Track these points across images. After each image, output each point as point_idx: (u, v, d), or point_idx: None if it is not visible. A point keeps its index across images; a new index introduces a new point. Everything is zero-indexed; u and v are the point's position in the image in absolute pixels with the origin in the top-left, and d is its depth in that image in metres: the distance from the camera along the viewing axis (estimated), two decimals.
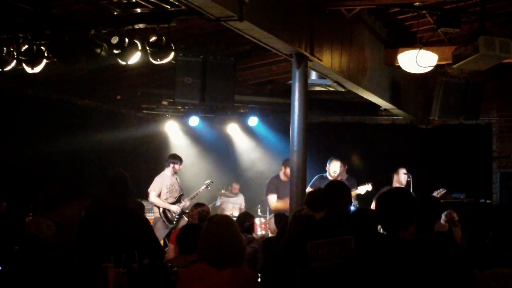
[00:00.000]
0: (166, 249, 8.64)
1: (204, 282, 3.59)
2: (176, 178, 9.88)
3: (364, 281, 3.30)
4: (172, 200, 9.69)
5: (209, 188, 10.53)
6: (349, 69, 8.04)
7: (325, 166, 9.81)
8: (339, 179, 9.78)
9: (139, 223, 5.23)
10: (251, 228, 7.12)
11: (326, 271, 3.95)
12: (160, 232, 9.34)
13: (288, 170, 8.68)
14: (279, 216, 7.00)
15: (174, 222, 9.65)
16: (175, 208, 9.65)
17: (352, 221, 4.33)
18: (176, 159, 9.84)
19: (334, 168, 9.67)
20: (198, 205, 6.98)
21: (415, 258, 3.30)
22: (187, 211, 9.76)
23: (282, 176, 9.33)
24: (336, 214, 4.19)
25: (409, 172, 9.60)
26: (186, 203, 9.79)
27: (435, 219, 4.45)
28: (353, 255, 3.43)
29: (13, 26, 7.05)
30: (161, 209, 9.64)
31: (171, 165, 9.71)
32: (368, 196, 9.84)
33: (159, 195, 9.60)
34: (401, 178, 9.60)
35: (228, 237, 3.64)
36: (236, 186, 12.10)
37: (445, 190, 9.57)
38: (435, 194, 9.33)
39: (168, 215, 9.64)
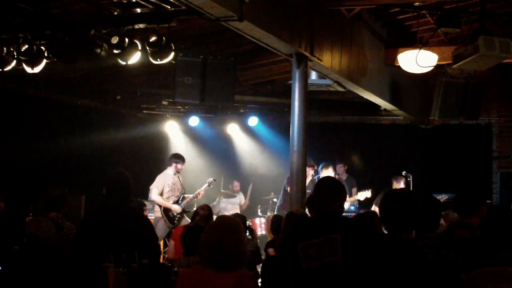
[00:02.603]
0: (165, 249, 8.65)
1: (201, 284, 3.58)
2: (179, 177, 9.83)
3: (368, 281, 3.29)
4: (173, 199, 9.64)
5: (211, 186, 10.46)
6: (349, 69, 8.04)
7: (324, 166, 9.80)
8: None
9: (141, 223, 5.23)
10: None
11: (317, 271, 3.94)
12: (161, 232, 9.32)
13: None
14: (275, 218, 6.98)
15: (175, 222, 9.60)
16: (176, 208, 9.59)
17: (343, 220, 4.27)
18: (179, 158, 9.79)
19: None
20: (203, 207, 6.96)
21: (420, 259, 3.29)
22: (188, 210, 9.74)
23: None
24: (327, 212, 4.14)
25: (409, 172, 9.61)
26: (186, 201, 9.76)
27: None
28: (357, 255, 3.42)
29: (13, 26, 7.04)
30: (162, 208, 9.59)
31: (174, 165, 9.68)
32: (366, 201, 9.87)
33: (161, 194, 9.58)
34: (400, 185, 9.60)
35: (226, 241, 3.57)
36: (237, 184, 12.09)
37: (447, 196, 9.57)
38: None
39: (169, 214, 9.60)
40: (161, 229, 9.41)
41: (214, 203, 11.67)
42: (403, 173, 9.59)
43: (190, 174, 11.60)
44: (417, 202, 3.46)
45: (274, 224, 6.61)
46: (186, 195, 9.83)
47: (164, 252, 8.54)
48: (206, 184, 10.25)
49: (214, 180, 10.46)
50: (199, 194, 9.97)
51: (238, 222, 3.80)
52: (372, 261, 3.31)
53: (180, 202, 9.66)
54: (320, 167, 9.73)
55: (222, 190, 11.81)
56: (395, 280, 3.22)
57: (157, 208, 9.67)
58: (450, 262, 3.61)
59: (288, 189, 9.40)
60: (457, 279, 3.48)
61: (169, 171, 9.72)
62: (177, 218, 9.63)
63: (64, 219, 5.36)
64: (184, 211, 9.70)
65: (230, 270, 3.57)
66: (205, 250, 3.64)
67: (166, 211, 9.58)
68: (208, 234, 3.67)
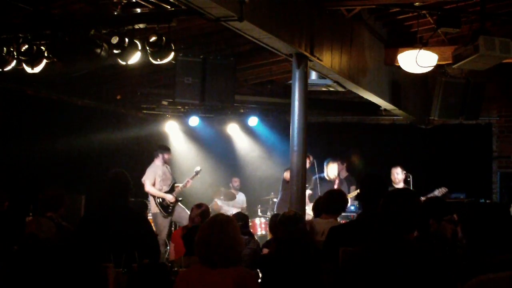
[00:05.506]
0: (167, 248, 8.66)
1: (200, 282, 3.57)
2: (167, 167, 10.02)
3: (370, 282, 3.28)
4: (166, 188, 9.90)
5: (198, 175, 10.48)
6: (349, 69, 8.04)
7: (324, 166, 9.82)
8: (337, 180, 9.83)
9: (140, 223, 5.24)
10: (244, 227, 7.00)
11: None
12: (163, 224, 9.51)
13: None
14: (273, 217, 6.95)
15: (169, 211, 9.75)
16: (170, 197, 9.79)
17: None
18: (165, 149, 10.12)
19: (332, 172, 9.73)
20: (199, 206, 6.97)
21: (422, 259, 3.27)
22: (181, 199, 9.89)
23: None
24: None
25: (409, 172, 9.61)
26: (177, 190, 9.92)
27: (431, 220, 4.48)
28: (358, 255, 3.41)
29: (13, 26, 7.04)
30: (157, 200, 9.76)
31: (160, 155, 9.93)
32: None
33: (153, 185, 9.74)
34: (395, 177, 9.61)
35: (219, 237, 3.57)
36: (236, 180, 12.03)
37: (447, 189, 9.57)
38: (436, 192, 9.36)
39: (164, 204, 9.78)
40: (161, 223, 9.59)
41: (212, 203, 11.64)
42: (396, 172, 9.60)
43: (189, 174, 11.58)
44: (418, 202, 3.45)
45: (272, 222, 6.61)
46: (176, 184, 9.97)
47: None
48: (194, 173, 10.36)
49: (200, 169, 10.52)
50: (188, 182, 10.18)
51: (227, 220, 3.74)
52: (374, 262, 3.31)
53: (172, 191, 9.80)
54: (325, 164, 9.81)
55: (222, 189, 11.76)
56: (398, 280, 3.22)
57: (152, 203, 9.77)
58: (445, 260, 3.61)
59: (285, 175, 9.43)
60: (457, 276, 3.46)
61: (157, 162, 9.94)
62: (170, 207, 9.78)
63: (60, 219, 5.36)
64: (177, 200, 9.83)
65: (228, 266, 3.55)
66: (196, 248, 3.66)
67: (160, 201, 9.74)
68: (200, 234, 3.68)
